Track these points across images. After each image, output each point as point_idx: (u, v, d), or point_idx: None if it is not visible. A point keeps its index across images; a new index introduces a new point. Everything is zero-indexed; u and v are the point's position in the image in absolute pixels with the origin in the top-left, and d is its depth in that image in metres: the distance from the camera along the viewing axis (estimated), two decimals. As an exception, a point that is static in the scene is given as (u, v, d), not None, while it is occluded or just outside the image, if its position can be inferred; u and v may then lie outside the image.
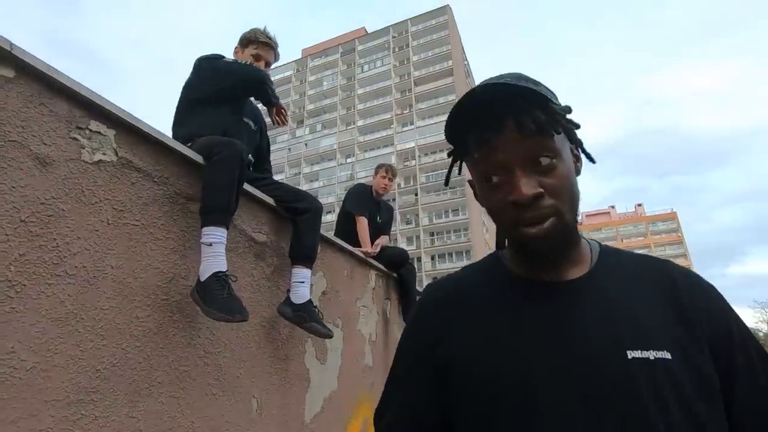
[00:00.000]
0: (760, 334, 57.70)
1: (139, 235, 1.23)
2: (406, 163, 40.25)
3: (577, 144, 0.60)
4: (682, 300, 0.54)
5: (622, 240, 68.65)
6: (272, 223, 1.82)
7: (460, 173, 0.68)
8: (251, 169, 2.11)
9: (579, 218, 0.57)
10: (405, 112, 42.90)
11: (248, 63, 1.85)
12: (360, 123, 44.64)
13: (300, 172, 45.44)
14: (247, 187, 1.65)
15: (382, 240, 3.09)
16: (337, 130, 45.40)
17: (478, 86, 0.53)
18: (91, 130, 1.14)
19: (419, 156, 39.82)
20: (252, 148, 1.95)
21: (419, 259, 34.90)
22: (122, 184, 1.21)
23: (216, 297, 1.24)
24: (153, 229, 1.28)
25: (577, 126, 0.57)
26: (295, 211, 1.80)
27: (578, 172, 0.59)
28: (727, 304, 0.57)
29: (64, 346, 1.01)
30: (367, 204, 3.08)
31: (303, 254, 1.76)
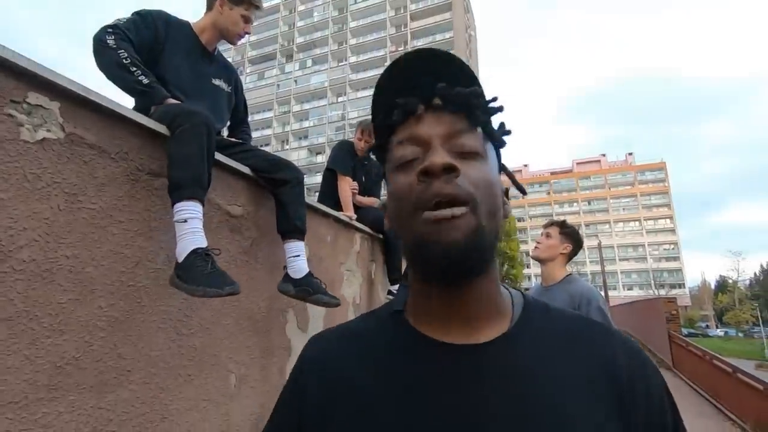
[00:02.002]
0: (729, 281, 60.70)
1: (97, 219, 1.13)
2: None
3: (499, 159, 0.51)
4: (620, 380, 0.43)
5: (609, 188, 69.50)
6: (248, 194, 1.72)
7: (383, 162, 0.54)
8: (228, 134, 1.96)
9: (499, 241, 0.47)
10: (399, 49, 40.86)
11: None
12: (352, 60, 42.62)
13: (289, 111, 44.02)
14: (218, 156, 1.53)
15: (370, 201, 3.00)
16: (328, 67, 43.39)
17: (405, 54, 0.47)
18: (29, 104, 1.00)
19: (413, 97, 38.59)
20: (224, 112, 1.79)
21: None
22: (73, 164, 1.08)
23: (201, 274, 1.17)
24: (113, 211, 1.17)
25: (507, 132, 0.49)
26: (274, 182, 1.69)
27: (505, 213, 0.48)
28: (669, 392, 0.46)
29: (18, 346, 0.94)
30: (350, 163, 2.95)
31: (293, 227, 1.68)
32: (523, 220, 69.80)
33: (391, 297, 2.96)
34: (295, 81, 44.60)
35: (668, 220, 65.76)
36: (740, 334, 47.59)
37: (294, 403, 0.50)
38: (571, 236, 2.30)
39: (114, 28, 1.42)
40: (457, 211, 0.41)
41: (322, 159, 40.15)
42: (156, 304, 1.27)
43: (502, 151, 0.52)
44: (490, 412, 0.40)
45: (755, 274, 67.37)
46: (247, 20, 1.73)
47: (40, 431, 0.96)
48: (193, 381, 1.39)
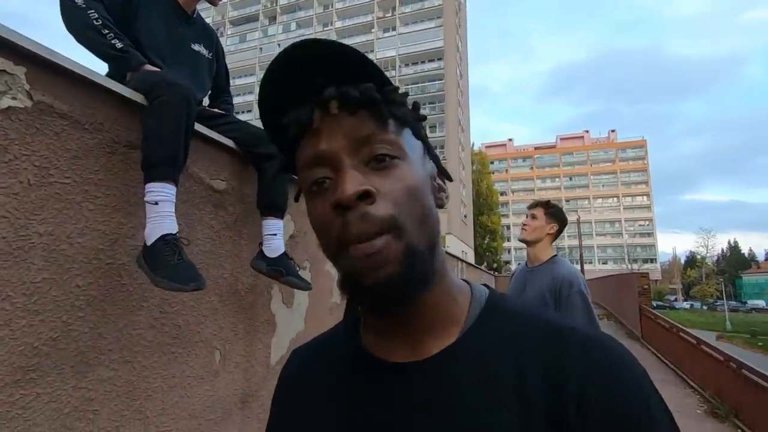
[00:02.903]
0: (698, 257, 63.25)
1: (72, 194, 1.07)
2: (385, 73, 38.19)
3: (429, 148, 0.45)
4: (567, 399, 0.35)
5: (591, 165, 70.50)
6: (232, 168, 1.66)
7: (297, 200, 0.48)
8: (209, 103, 1.87)
9: (440, 254, 0.42)
10: (387, 15, 39.57)
11: None
12: (338, 24, 41.13)
13: (272, 76, 42.55)
14: (201, 128, 1.46)
15: None
16: (313, 31, 41.80)
17: (285, 50, 0.39)
18: (-9, 69, 0.91)
19: (400, 66, 37.72)
20: (205, 80, 1.69)
21: (297, 199, 34.72)
22: (43, 135, 1.01)
23: (166, 264, 1.12)
24: (88, 186, 1.11)
25: (422, 117, 0.43)
26: (258, 156, 1.62)
27: (440, 204, 0.44)
28: (646, 409, 0.35)
29: (-10, 327, 0.90)
30: None
31: (273, 205, 1.63)
32: (506, 194, 70.61)
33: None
34: (279, 45, 42.90)
35: (645, 197, 67.49)
36: (704, 307, 50.05)
37: (273, 410, 0.53)
38: (556, 216, 2.29)
39: None
40: (378, 241, 0.36)
41: (306, 128, 39.24)
42: (137, 282, 1.23)
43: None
44: None
45: (722, 250, 70.32)
46: None
47: (18, 413, 0.94)
48: (177, 358, 1.37)
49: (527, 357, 0.39)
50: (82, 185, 1.09)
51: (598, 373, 0.36)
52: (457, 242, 32.00)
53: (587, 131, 76.32)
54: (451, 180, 0.48)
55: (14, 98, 0.95)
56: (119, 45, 1.30)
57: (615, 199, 68.49)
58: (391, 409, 0.40)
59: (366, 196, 0.37)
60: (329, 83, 0.39)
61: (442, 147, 34.75)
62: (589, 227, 64.16)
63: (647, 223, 66.53)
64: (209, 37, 1.74)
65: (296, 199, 0.46)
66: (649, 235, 65.93)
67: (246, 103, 41.39)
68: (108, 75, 1.43)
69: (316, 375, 0.49)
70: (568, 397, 0.35)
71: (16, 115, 0.96)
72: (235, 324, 1.65)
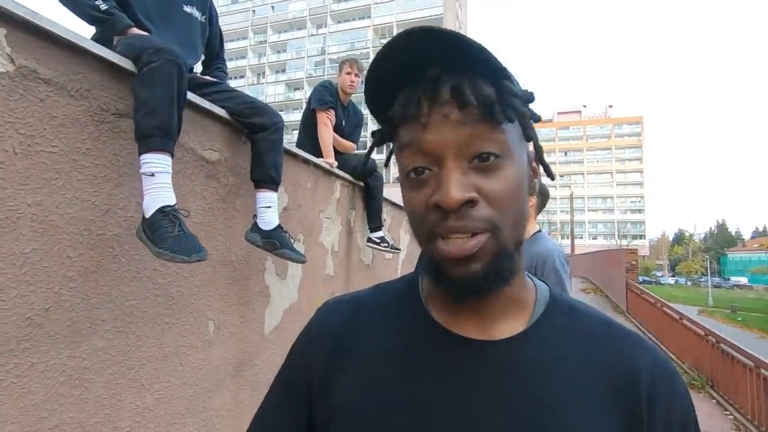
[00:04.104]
0: (686, 234, 64.23)
1: (59, 164, 1.04)
2: (382, 41, 37.15)
3: (536, 148, 0.45)
4: (638, 394, 0.40)
5: (587, 140, 70.26)
6: (226, 139, 1.62)
7: (387, 164, 0.50)
8: (201, 70, 1.81)
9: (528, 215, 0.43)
10: (386, -22, 38.11)
11: None
12: (335, -13, 39.62)
13: (266, 41, 41.29)
14: (193, 97, 1.41)
15: (349, 145, 2.91)
16: (309, -6, 40.28)
17: (404, 33, 0.37)
18: (-31, 29, 0.87)
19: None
20: (197, 44, 1.63)
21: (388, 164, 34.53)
22: (27, 102, 0.97)
23: (166, 236, 1.11)
24: (76, 155, 1.08)
25: (537, 118, 0.42)
26: (252, 127, 1.59)
27: (532, 191, 0.45)
28: (695, 420, 0.42)
29: (-19, 297, 0.90)
30: (331, 101, 2.80)
31: (267, 177, 1.61)
32: (500, 168, 70.39)
33: (370, 245, 2.98)
34: (272, 8, 41.39)
35: (638, 174, 67.77)
36: (689, 283, 51.36)
37: (311, 355, 0.49)
38: (535, 189, 2.29)
39: None
40: (473, 241, 0.37)
41: (301, 95, 38.48)
42: (129, 254, 1.22)
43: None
44: (496, 412, 0.39)
45: (710, 229, 71.48)
46: None
47: (13, 381, 0.95)
48: (171, 329, 1.38)
49: (594, 348, 0.43)
50: (69, 155, 1.06)
51: (661, 374, 0.42)
52: (450, 215, 32.08)
53: (585, 106, 75.66)
54: (552, 178, 0.48)
55: (-5, 62, 0.91)
56: (104, 6, 1.24)
57: (609, 175, 68.73)
58: (468, 384, 0.41)
59: (468, 203, 0.37)
60: (443, 73, 0.38)
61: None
62: (581, 202, 64.62)
63: (639, 199, 67.13)
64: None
65: (386, 165, 0.47)
66: (640, 211, 66.66)
67: (239, 68, 40.28)
68: (94, 38, 1.37)
69: (372, 334, 0.47)
70: (637, 392, 0.40)
71: (-2, 80, 0.92)
72: (228, 295, 1.66)
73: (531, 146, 0.45)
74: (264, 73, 41.45)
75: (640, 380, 0.40)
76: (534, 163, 0.47)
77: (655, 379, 0.41)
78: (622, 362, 0.41)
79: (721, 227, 71.00)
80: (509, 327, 0.44)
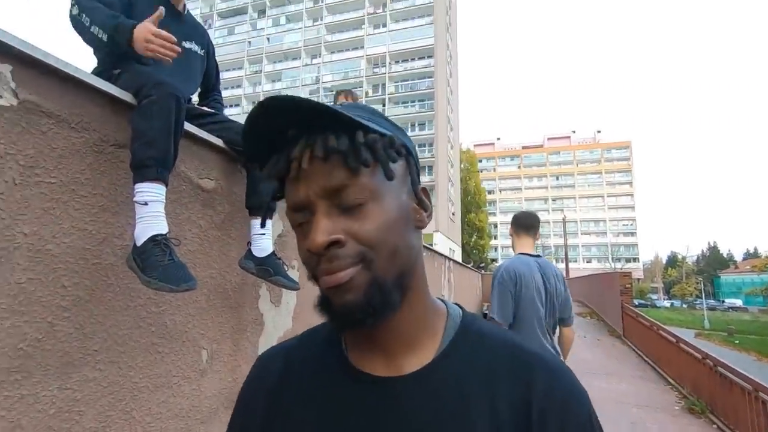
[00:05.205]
0: (679, 257, 64.57)
1: (58, 194, 1.06)
2: (375, 70, 38.13)
3: (413, 184, 0.47)
4: (528, 418, 0.41)
5: (577, 165, 71.45)
6: (222, 167, 1.65)
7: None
8: (198, 101, 1.85)
9: (410, 275, 0.45)
10: (378, 11, 39.41)
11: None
12: (328, 19, 40.85)
13: (261, 70, 42.11)
14: (190, 127, 1.45)
15: None
16: (303, 26, 41.46)
17: (264, 100, 0.40)
18: (-24, 66, 0.90)
19: (390, 63, 37.64)
20: (196, 78, 1.68)
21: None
22: (29, 134, 1.00)
23: (156, 264, 1.12)
24: (75, 185, 1.10)
25: (394, 159, 0.43)
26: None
27: (421, 225, 0.47)
28: (588, 421, 0.43)
29: (-26, 328, 0.89)
30: None
31: (262, 203, 1.63)
32: (493, 193, 71.21)
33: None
34: (268, 39, 42.47)
35: (629, 197, 68.68)
36: (684, 306, 51.27)
37: (247, 415, 0.54)
38: (512, 222, 2.71)
39: None
40: (343, 276, 0.40)
41: (295, 123, 38.96)
42: (123, 282, 1.22)
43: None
44: None
45: (702, 251, 71.99)
46: None
47: (2, 414, 0.93)
48: (164, 358, 1.36)
49: (497, 379, 0.43)
50: (68, 185, 1.08)
51: (557, 398, 0.42)
52: (444, 240, 32.17)
53: (574, 131, 77.31)
54: (428, 214, 0.49)
55: (0, 96, 0.94)
56: (110, 24, 1.25)
57: (600, 198, 69.60)
58: (372, 422, 0.44)
59: (335, 243, 0.41)
60: (302, 134, 0.42)
61: (431, 144, 34.88)
62: (574, 226, 65.13)
63: (630, 222, 67.77)
64: (200, 34, 1.72)
65: (274, 198, 0.50)
66: (633, 234, 67.17)
67: (234, 97, 40.91)
68: (95, 72, 1.41)
69: (298, 383, 0.50)
70: (532, 415, 0.41)
71: (2, 114, 0.94)
72: (222, 323, 1.65)
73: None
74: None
75: (532, 405, 0.41)
76: (422, 196, 0.48)
77: (549, 402, 0.42)
78: (520, 389, 0.42)
79: (713, 249, 71.58)
80: (417, 359, 0.46)
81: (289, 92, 40.83)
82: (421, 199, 0.48)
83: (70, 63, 1.07)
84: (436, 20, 36.54)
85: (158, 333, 1.35)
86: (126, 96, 1.22)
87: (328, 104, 0.41)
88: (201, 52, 1.70)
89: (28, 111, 0.99)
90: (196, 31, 1.71)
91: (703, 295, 40.05)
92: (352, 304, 0.41)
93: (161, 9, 1.25)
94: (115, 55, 1.32)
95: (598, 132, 75.76)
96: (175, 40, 1.27)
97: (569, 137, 76.79)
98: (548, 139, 77.97)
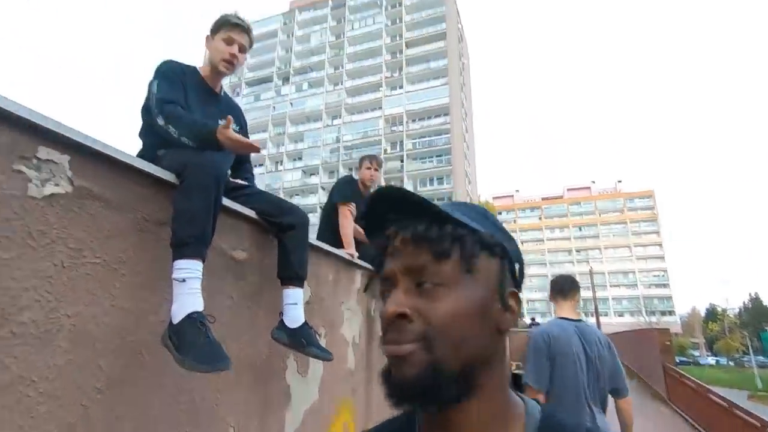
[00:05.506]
0: (719, 309, 60.97)
1: (101, 274, 1.09)
2: (393, 128, 39.59)
3: (499, 284, 0.48)
4: None
5: (600, 215, 70.33)
6: (253, 238, 1.68)
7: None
8: (231, 173, 1.94)
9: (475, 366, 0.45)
10: (395, 75, 41.67)
11: (199, 121, 1.48)
12: (348, 84, 43.31)
13: (284, 132, 44.30)
14: (225, 201, 1.50)
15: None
16: (324, 90, 44.00)
17: (379, 188, 0.50)
18: (39, 159, 0.97)
19: (407, 122, 39.12)
20: (231, 153, 1.77)
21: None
22: (80, 218, 1.05)
23: (192, 344, 1.11)
24: (117, 264, 1.13)
25: (484, 248, 0.47)
26: (280, 226, 1.66)
27: (503, 327, 0.47)
28: None
29: (11, 415, 0.89)
30: (354, 197, 2.93)
31: (294, 274, 1.64)
32: (515, 245, 69.98)
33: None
34: (291, 103, 45.07)
35: (658, 247, 66.46)
36: (731, 363, 47.52)
37: None
38: (550, 288, 2.63)
39: (158, 107, 1.42)
40: (404, 349, 0.44)
41: (316, 180, 40.24)
42: (156, 360, 1.22)
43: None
44: None
45: (744, 302, 67.82)
46: (229, 42, 1.66)
47: (29, 508, 0.90)
48: (191, 439, 1.32)
49: None
50: (111, 264, 1.12)
51: None
52: (467, 294, 31.34)
53: (593, 182, 76.97)
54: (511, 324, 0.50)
55: (57, 185, 1.00)
56: (199, 135, 1.40)
57: (626, 249, 67.54)
58: None
59: (402, 316, 0.45)
60: (402, 218, 0.48)
61: (450, 198, 35.15)
62: (602, 278, 62.76)
63: (662, 273, 65.02)
64: (235, 113, 1.84)
65: (365, 290, 0.55)
66: (665, 285, 64.18)
67: (258, 157, 42.74)
68: (140, 153, 1.51)
69: None
70: None
71: (57, 201, 1.00)
72: (249, 399, 1.60)
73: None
74: (282, 161, 43.86)
75: None
76: (511, 301, 0.49)
77: None
78: None
79: (755, 301, 67.31)
80: None
81: (310, 151, 42.50)
82: (507, 302, 0.49)
83: (121, 150, 1.14)
84: (451, 81, 38.28)
85: (187, 411, 1.31)
86: (169, 176, 1.28)
87: (428, 199, 0.47)
88: (236, 129, 1.81)
89: (80, 196, 1.05)
90: (232, 110, 1.83)
91: (751, 351, 37.12)
92: (407, 379, 0.43)
93: (230, 118, 1.40)
94: (162, 140, 1.41)
95: (619, 182, 75.27)
96: (250, 141, 1.46)
97: (589, 188, 76.36)
98: (568, 189, 77.69)
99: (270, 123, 44.84)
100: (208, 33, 1.71)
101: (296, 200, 39.88)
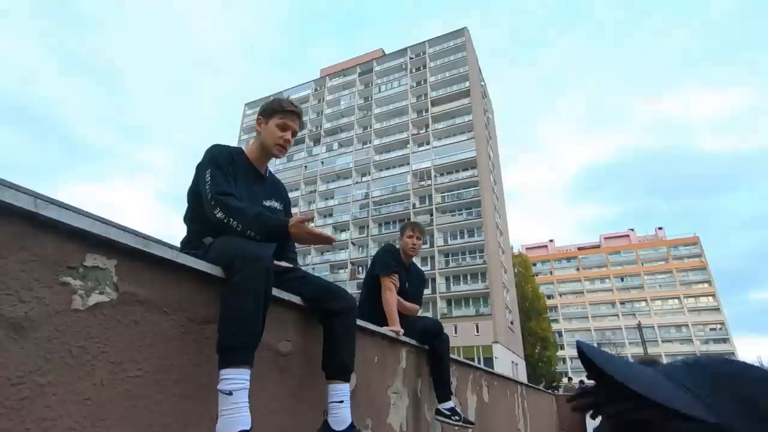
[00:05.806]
0: (791, 366, 54.80)
1: (143, 387, 0.99)
2: (421, 183, 40.05)
3: None
4: None
5: (642, 264, 66.80)
6: (298, 325, 1.57)
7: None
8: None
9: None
10: (421, 132, 42.88)
11: (255, 211, 1.44)
12: (376, 142, 44.78)
13: (315, 190, 45.61)
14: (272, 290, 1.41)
15: (413, 307, 2.81)
16: (354, 149, 45.59)
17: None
18: (86, 267, 0.91)
19: (435, 176, 39.55)
20: None
21: (434, 280, 34.32)
22: (123, 327, 0.97)
23: None
24: (159, 374, 1.03)
25: None
26: (327, 312, 1.54)
27: None
28: None
29: None
30: (394, 264, 2.79)
31: (341, 366, 1.49)
32: (553, 298, 66.93)
33: (440, 419, 2.62)
34: (322, 162, 46.80)
35: (711, 298, 61.75)
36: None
37: None
38: None
39: (214, 199, 1.39)
40: None
41: (346, 236, 40.61)
42: (195, 482, 1.07)
43: None
44: None
45: (819, 358, 60.81)
46: (284, 128, 1.67)
47: None
48: None
49: None
50: (153, 375, 1.02)
51: None
52: (505, 351, 29.70)
53: (632, 229, 73.97)
54: None
55: (101, 293, 0.93)
56: (266, 228, 1.40)
57: (676, 300, 63.06)
58: None
59: None
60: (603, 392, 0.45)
61: (481, 251, 34.46)
62: (652, 332, 58.31)
63: (719, 326, 59.83)
64: (280, 192, 1.81)
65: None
66: (725, 341, 58.79)
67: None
68: (184, 240, 1.46)
69: None
70: None
71: (101, 311, 0.93)
72: None
73: None
74: (313, 219, 44.79)
75: None
76: None
77: None
78: None
79: (832, 357, 60.30)
80: None
81: (340, 208, 43.36)
82: None
83: (168, 246, 1.08)
84: (476, 135, 38.94)
85: None
86: (216, 270, 1.21)
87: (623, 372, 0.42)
88: (280, 207, 1.77)
89: (124, 303, 0.98)
90: (277, 189, 1.80)
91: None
92: None
93: (313, 213, 1.38)
94: (209, 227, 1.37)
95: (659, 228, 72.05)
96: (327, 234, 1.49)
97: (628, 235, 73.30)
98: (605, 238, 74.84)
99: (302, 182, 46.43)
100: (259, 116, 1.72)
101: (327, 256, 40.16)
